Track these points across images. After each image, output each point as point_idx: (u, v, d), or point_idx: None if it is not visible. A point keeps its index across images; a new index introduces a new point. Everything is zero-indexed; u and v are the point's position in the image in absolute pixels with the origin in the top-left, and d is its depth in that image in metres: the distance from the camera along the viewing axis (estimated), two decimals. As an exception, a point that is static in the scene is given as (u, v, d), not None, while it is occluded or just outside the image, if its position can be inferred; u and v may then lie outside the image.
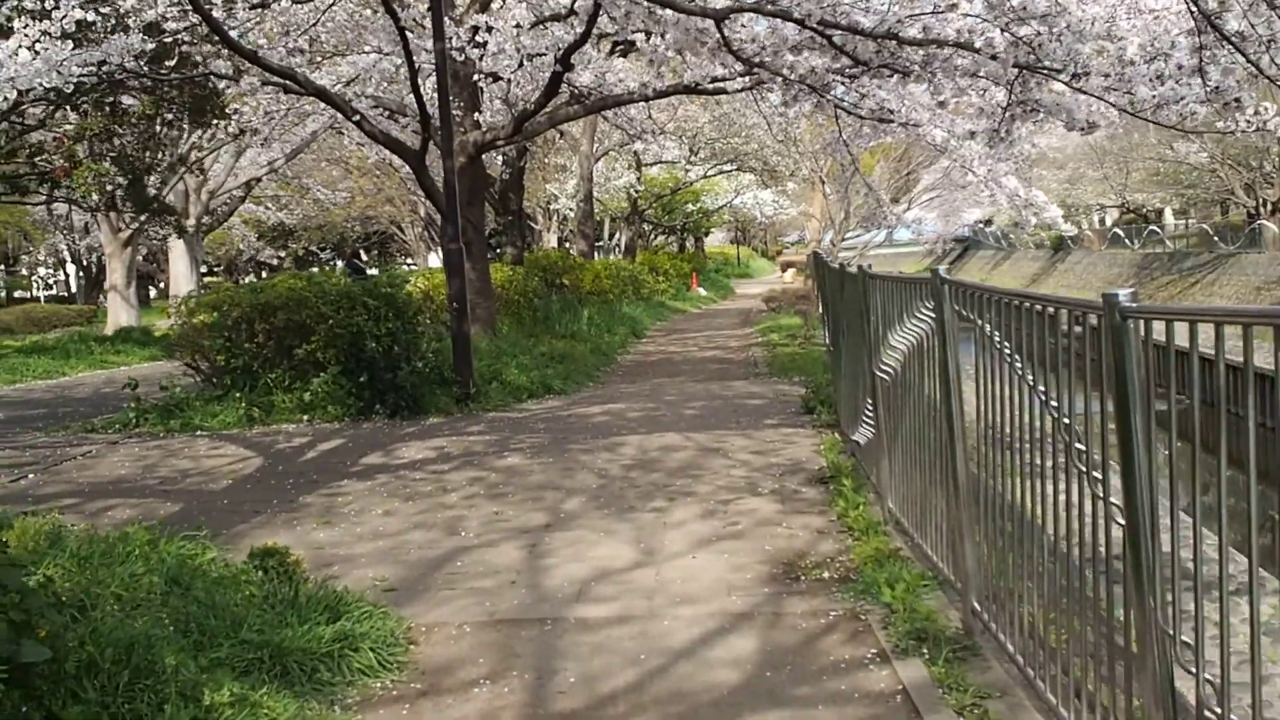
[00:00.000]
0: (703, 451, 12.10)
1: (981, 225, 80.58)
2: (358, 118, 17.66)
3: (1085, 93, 10.89)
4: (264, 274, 65.98)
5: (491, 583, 7.63)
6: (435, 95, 16.29)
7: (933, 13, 10.33)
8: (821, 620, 6.72)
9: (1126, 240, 54.18)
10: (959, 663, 5.93)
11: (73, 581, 5.80)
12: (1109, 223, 70.35)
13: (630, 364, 23.57)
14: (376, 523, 9.42)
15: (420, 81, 16.79)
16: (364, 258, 58.69)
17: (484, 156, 20.90)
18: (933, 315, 6.62)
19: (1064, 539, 4.82)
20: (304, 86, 17.11)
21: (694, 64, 18.15)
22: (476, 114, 19.42)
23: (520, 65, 19.16)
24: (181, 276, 35.78)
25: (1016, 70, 10.53)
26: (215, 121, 22.13)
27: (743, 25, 11.55)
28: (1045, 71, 10.61)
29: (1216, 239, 44.73)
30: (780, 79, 11.90)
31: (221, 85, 20.22)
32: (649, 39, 15.79)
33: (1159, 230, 53.26)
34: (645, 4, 10.88)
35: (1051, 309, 4.86)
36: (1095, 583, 4.56)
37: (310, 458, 12.44)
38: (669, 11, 10.84)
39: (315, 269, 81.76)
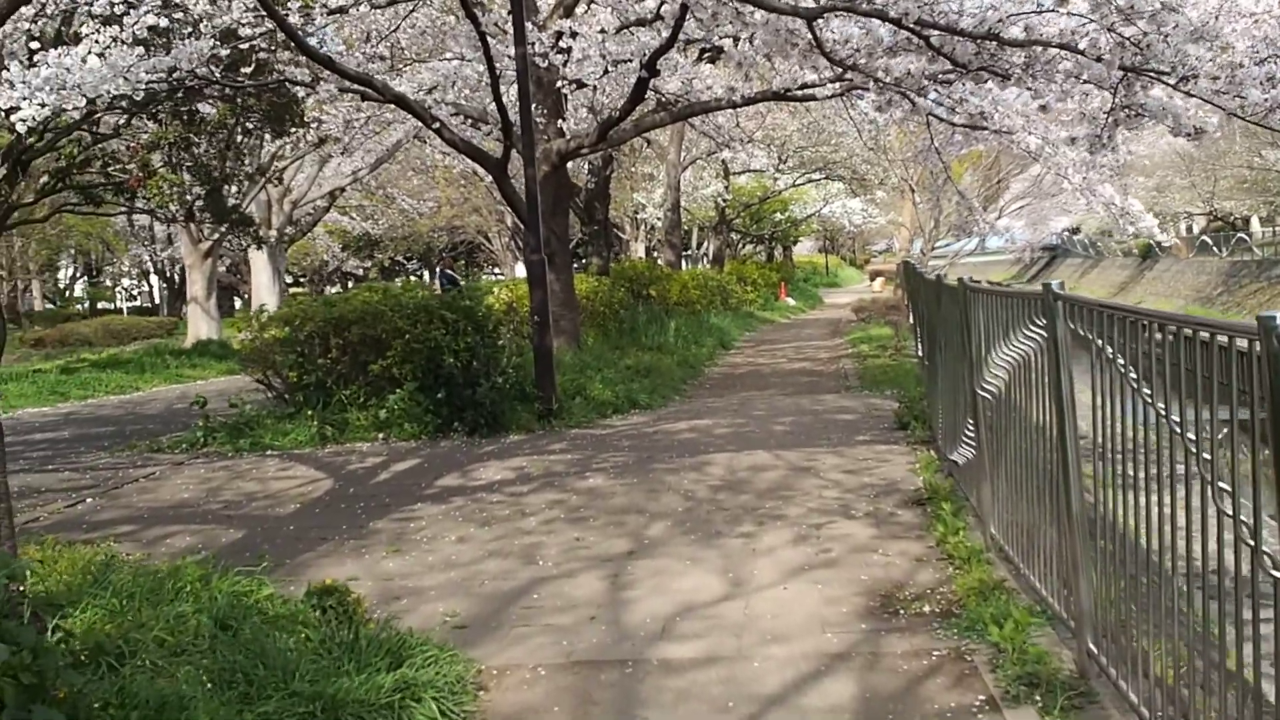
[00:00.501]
0: (793, 471, 11.56)
1: (1069, 233, 79.81)
2: (437, 125, 17.28)
3: (1194, 96, 10.25)
4: (349, 284, 65.97)
5: (569, 619, 7.12)
6: (517, 102, 15.84)
7: (1036, 11, 9.71)
8: (924, 661, 6.17)
9: (1214, 248, 53.28)
10: (1075, 711, 5.38)
11: (115, 624, 5.36)
12: (1196, 230, 69.73)
13: (718, 377, 23.03)
14: (449, 550, 8.95)
15: (502, 88, 16.38)
16: (455, 268, 58.99)
17: (569, 165, 20.54)
18: (1043, 333, 6.08)
19: (1198, 575, 4.29)
20: (382, 93, 16.74)
21: (782, 70, 17.68)
22: (560, 121, 19.02)
23: (605, 72, 18.72)
24: (264, 288, 35.61)
25: (1121, 73, 9.90)
26: (294, 130, 21.81)
27: (835, 27, 10.99)
28: (1152, 74, 9.99)
29: None
30: (873, 83, 11.27)
31: (300, 93, 19.95)
32: (737, 44, 15.43)
33: (1247, 238, 52.39)
34: (733, 4, 10.33)
35: (1189, 330, 4.28)
36: (1239, 630, 4.00)
37: (383, 479, 12.02)
38: (758, 13, 10.32)
39: (401, 279, 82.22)
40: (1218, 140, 54.65)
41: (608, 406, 16.48)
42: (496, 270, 67.38)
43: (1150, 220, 17.61)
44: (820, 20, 10.16)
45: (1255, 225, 66.64)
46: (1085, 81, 10.17)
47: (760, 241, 70.00)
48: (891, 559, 8.20)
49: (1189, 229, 73.93)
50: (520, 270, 59.50)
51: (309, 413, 14.59)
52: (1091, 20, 9.38)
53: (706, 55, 20.31)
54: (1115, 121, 10.67)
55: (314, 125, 22.05)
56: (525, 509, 10.29)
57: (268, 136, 24.95)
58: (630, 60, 17.36)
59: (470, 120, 20.44)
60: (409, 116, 20.76)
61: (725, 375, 23.21)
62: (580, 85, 19.67)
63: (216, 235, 32.45)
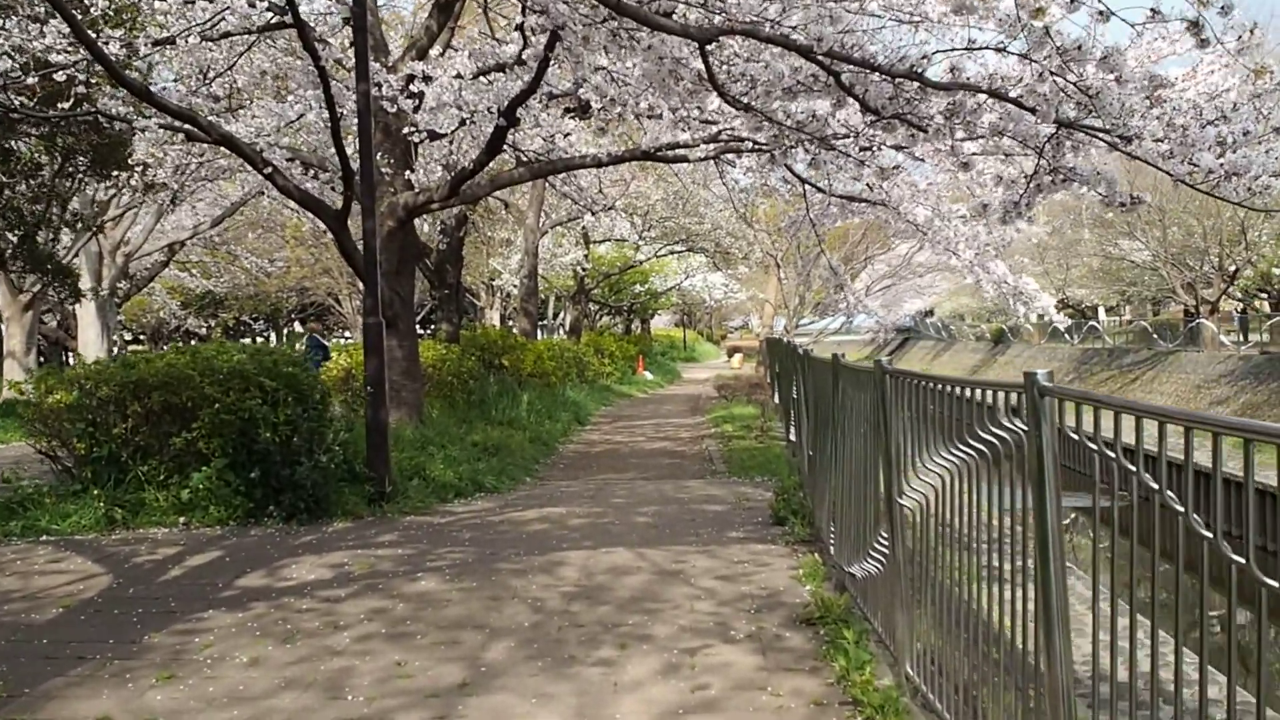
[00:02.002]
0: (659, 575, 9.92)
1: (923, 316, 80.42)
2: (269, 170, 15.51)
3: (1138, 159, 8.85)
4: (193, 343, 63.43)
5: (373, 793, 5.40)
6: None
7: (966, 49, 8.21)
8: None
9: (1066, 335, 54.10)
10: None
11: None
12: (1046, 317, 70.64)
13: (573, 455, 21.38)
14: (236, 678, 7.13)
15: (346, 137, 14.71)
16: (324, 334, 56.76)
17: (418, 223, 18.92)
18: (1014, 436, 4.58)
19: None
20: (207, 132, 14.93)
21: (652, 129, 16.28)
22: (409, 173, 17.35)
23: (462, 123, 17.16)
24: (91, 344, 33.49)
25: (1054, 129, 8.47)
26: (118, 174, 19.89)
27: (730, 61, 9.43)
28: (1089, 131, 8.58)
29: (1155, 336, 45.11)
30: (758, 137, 9.60)
31: (128, 135, 18.12)
32: (605, 99, 13.96)
33: (1099, 325, 53.25)
34: (609, 25, 8.72)
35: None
36: None
37: (173, 576, 10.10)
38: (640, 35, 8.68)
39: (249, 340, 79.71)
40: (1075, 229, 55.63)
41: (449, 490, 14.75)
42: (347, 334, 65.27)
43: (1046, 300, 16.36)
44: (712, 48, 8.53)
45: (1101, 314, 68.57)
46: (1009, 138, 8.68)
47: (619, 313, 68.81)
48: (784, 700, 6.61)
49: (1040, 316, 74.94)
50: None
51: (95, 491, 12.52)
52: (1032, 61, 7.89)
53: (571, 113, 18.78)
54: (1038, 187, 9.24)
55: (139, 170, 20.05)
56: (340, 620, 8.52)
57: (91, 180, 23.02)
58: (490, 111, 15.74)
59: (310, 169, 18.68)
60: (250, 167, 18.88)
61: (581, 454, 21.57)
62: (434, 136, 18.05)
63: (40, 286, 30.24)
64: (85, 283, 31.80)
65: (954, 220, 15.39)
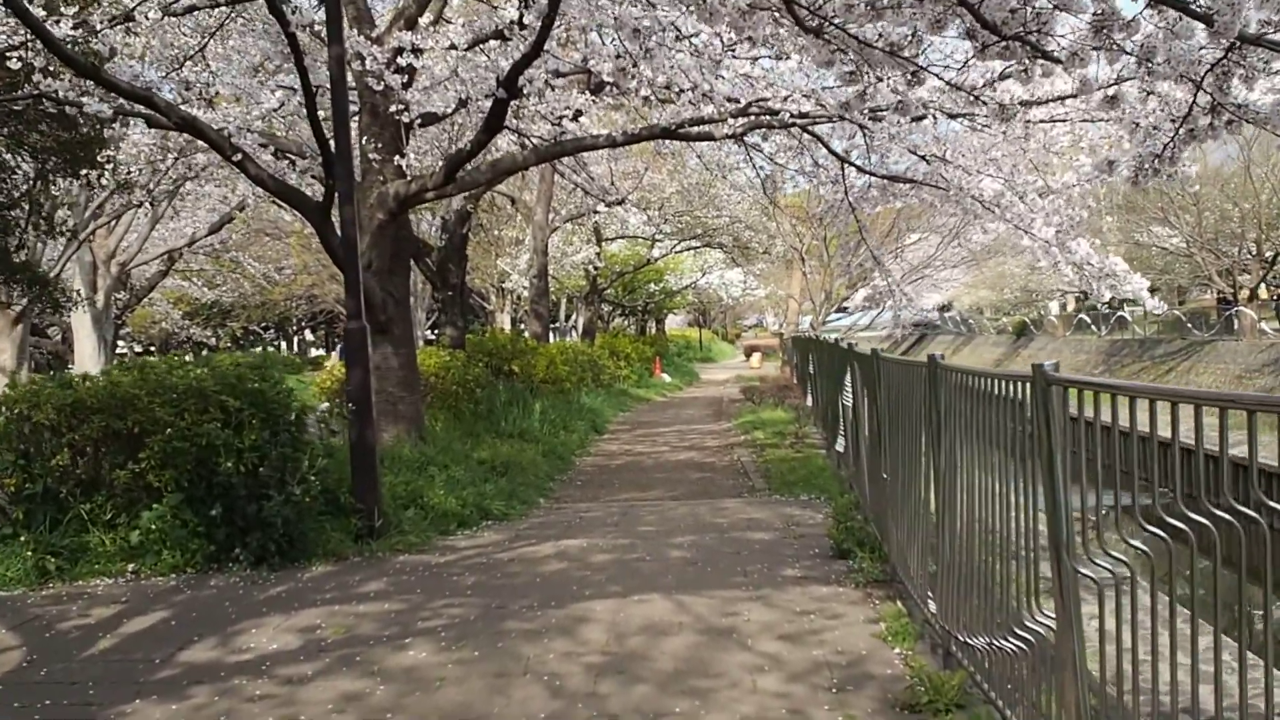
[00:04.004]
0: (707, 635, 7.92)
1: (941, 310, 78.68)
2: (239, 158, 13.55)
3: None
4: (204, 354, 61.68)
5: None
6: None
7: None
8: None
9: (1092, 326, 51.88)
10: None
11: None
12: (1070, 308, 69.38)
13: (591, 470, 19.36)
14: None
15: (324, 114, 12.74)
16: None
17: (419, 223, 17.00)
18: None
19: None
20: (166, 114, 12.98)
21: (672, 108, 14.40)
22: (399, 158, 15.34)
23: (461, 105, 15.21)
24: (88, 358, 31.53)
25: (1225, 50, 6.42)
26: (87, 172, 17.95)
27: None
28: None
29: (1189, 325, 42.75)
30: (837, 65, 7.52)
31: (100, 130, 16.17)
32: (618, 62, 12.12)
33: (1128, 316, 51.02)
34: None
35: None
36: None
37: (102, 649, 8.07)
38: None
39: (259, 349, 77.92)
40: (1102, 216, 53.56)
41: (451, 519, 12.72)
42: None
43: (1139, 282, 14.29)
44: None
45: (1149, 300, 66.36)
46: (1159, 64, 6.57)
47: (633, 313, 66.87)
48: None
49: (1063, 307, 73.78)
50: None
51: (23, 537, 10.42)
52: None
53: (582, 90, 16.79)
54: (1191, 132, 7.15)
55: (108, 166, 18.05)
56: (301, 714, 6.55)
57: (61, 181, 21.10)
58: (489, 96, 13.77)
59: (287, 157, 16.71)
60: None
61: (600, 468, 19.55)
62: (429, 121, 16.10)
63: (29, 297, 28.32)
64: (80, 293, 29.97)
65: (1030, 194, 13.39)
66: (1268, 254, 46.42)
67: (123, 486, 10.53)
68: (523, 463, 17.19)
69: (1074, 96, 12.85)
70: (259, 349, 77.36)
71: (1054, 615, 4.83)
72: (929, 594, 7.48)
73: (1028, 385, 4.96)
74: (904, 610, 8.19)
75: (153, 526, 10.35)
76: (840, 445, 14.94)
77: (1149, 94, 7.41)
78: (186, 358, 14.52)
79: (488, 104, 14.01)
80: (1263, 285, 49.20)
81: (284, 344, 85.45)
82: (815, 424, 22.48)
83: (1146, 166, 7.49)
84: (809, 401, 25.92)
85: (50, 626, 8.69)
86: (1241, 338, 38.48)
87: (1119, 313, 53.01)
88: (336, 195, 12.37)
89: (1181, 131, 7.17)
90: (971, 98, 9.62)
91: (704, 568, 10.20)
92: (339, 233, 12.40)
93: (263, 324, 68.23)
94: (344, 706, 6.63)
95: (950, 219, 41.87)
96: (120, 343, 50.20)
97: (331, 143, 12.21)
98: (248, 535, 10.50)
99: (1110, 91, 7.28)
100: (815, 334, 34.97)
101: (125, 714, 6.62)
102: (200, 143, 16.15)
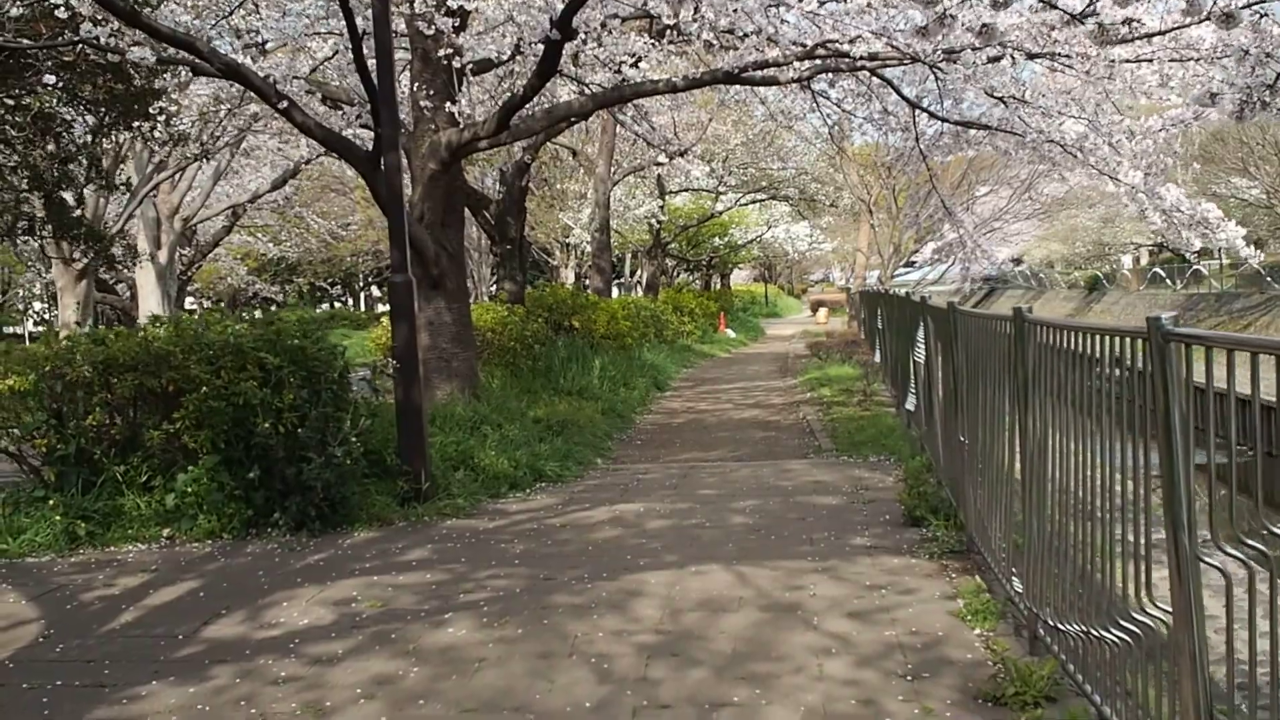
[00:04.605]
0: (769, 611, 7.33)
1: (1011, 264, 77.57)
2: (284, 105, 13.05)
3: None
4: (273, 309, 61.71)
5: None
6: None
7: None
8: None
9: (1167, 280, 50.78)
10: None
11: None
12: (1143, 262, 68.55)
13: (652, 428, 18.77)
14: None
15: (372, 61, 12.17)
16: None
17: (484, 178, 16.41)
18: None
19: None
20: (209, 60, 12.48)
21: (734, 54, 13.73)
22: (451, 106, 14.76)
23: (518, 51, 14.64)
24: (152, 313, 31.34)
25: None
26: (139, 125, 17.49)
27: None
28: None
29: (1269, 279, 42.21)
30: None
31: (155, 81, 15.71)
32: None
33: (1203, 270, 49.90)
34: None
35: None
36: None
37: (124, 622, 7.56)
38: None
39: (326, 305, 77.89)
40: (1174, 171, 52.36)
41: (503, 481, 12.16)
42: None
43: (1235, 230, 13.47)
44: None
45: (1247, 248, 65.54)
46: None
47: (697, 268, 66.18)
48: None
49: (1136, 261, 72.94)
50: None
51: (52, 500, 9.95)
52: None
53: (642, 34, 16.14)
54: None
55: (160, 118, 17.57)
56: (327, 699, 6.02)
57: (115, 135, 20.72)
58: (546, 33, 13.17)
59: (339, 107, 16.19)
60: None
61: (661, 427, 18.96)
62: (481, 69, 15.53)
63: (93, 253, 28.06)
64: (142, 248, 29.73)
65: (1118, 135, 12.62)
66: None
67: (159, 448, 10.05)
68: (580, 421, 16.62)
69: (1162, 34, 12.16)
70: (325, 305, 77.47)
71: (1168, 608, 4.20)
72: (1013, 571, 6.86)
73: (1140, 341, 4.30)
74: (983, 585, 7.57)
75: (188, 489, 9.88)
76: (911, 404, 14.30)
77: (1261, 15, 6.68)
78: (256, 313, 14.08)
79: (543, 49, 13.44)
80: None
81: (350, 300, 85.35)
82: (884, 381, 21.80)
83: (1255, 99, 6.77)
84: (877, 358, 25.22)
85: (73, 597, 8.20)
86: (1323, 290, 37.65)
87: (1195, 266, 52.08)
88: (382, 142, 11.83)
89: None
90: (1060, 24, 8.87)
91: (767, 535, 9.61)
92: (391, 183, 11.84)
93: (329, 280, 67.96)
94: (373, 691, 6.10)
95: (1023, 170, 41.03)
96: (190, 299, 50.19)
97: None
98: (287, 499, 10.00)
99: (1222, 4, 6.54)
100: (883, 288, 34.22)
101: (139, 697, 6.11)
102: (252, 94, 15.67)
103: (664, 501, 11.31)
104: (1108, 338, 4.89)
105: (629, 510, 10.88)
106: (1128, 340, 4.62)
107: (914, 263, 53.54)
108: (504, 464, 12.46)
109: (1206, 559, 3.89)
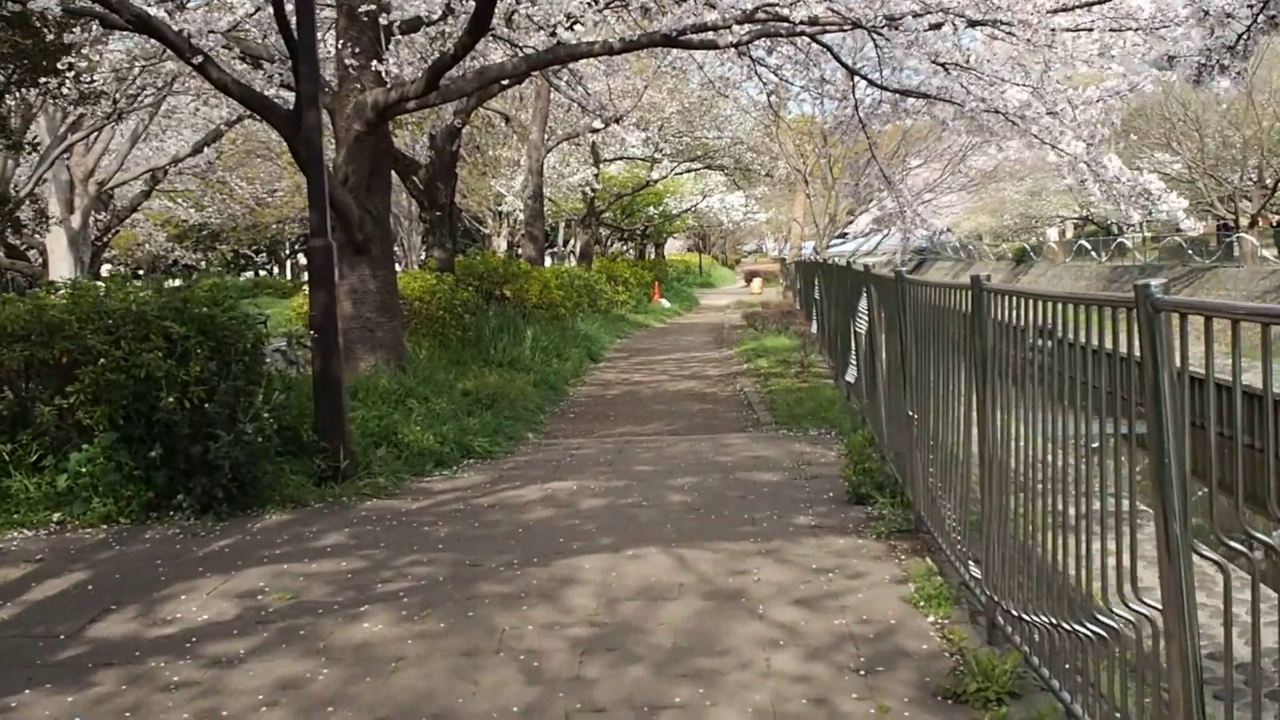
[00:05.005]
0: (712, 599, 6.82)
1: (940, 234, 77.79)
2: (200, 60, 12.39)
3: None
4: (194, 277, 60.59)
5: None
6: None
7: None
8: None
9: (1093, 252, 51.16)
10: None
11: None
12: (1068, 235, 69.25)
13: (585, 401, 18.21)
14: None
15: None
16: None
17: (415, 144, 15.77)
18: None
19: None
20: (118, 11, 11.81)
21: (671, 18, 13.23)
22: (378, 64, 14.12)
23: (450, 11, 14.08)
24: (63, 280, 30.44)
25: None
26: (46, 82, 16.71)
27: None
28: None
29: (1190, 252, 42.41)
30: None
31: (64, 35, 14.99)
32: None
33: (1127, 243, 50.17)
34: None
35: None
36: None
37: (2, 619, 6.95)
38: None
39: (251, 274, 76.71)
40: (1103, 145, 52.56)
41: (428, 458, 11.55)
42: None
43: (1177, 202, 13.04)
44: None
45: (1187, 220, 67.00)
46: None
47: (631, 238, 65.63)
48: None
49: (1061, 234, 73.63)
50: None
51: (-77, 484, 9.18)
52: None
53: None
54: (1273, 19, 5.92)
55: (69, 73, 16.76)
56: (224, 707, 5.45)
57: (21, 92, 19.91)
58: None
59: (261, 66, 15.51)
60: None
61: (595, 399, 18.40)
62: (414, 27, 14.90)
63: (-2, 216, 27.14)
64: (54, 213, 28.85)
65: (1062, 104, 12.19)
66: (1269, 181, 45.13)
67: (51, 424, 9.39)
68: (511, 394, 16.04)
69: (1102, 2, 11.79)
70: (250, 273, 76.28)
71: (1154, 604, 3.72)
72: (970, 555, 6.39)
73: (1129, 311, 3.79)
74: (934, 567, 7.14)
75: (82, 470, 9.18)
76: (851, 375, 13.85)
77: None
78: (176, 281, 13.40)
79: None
80: (1266, 211, 48.04)
81: (276, 268, 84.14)
82: (821, 352, 21.36)
83: (1214, 61, 6.28)
84: (814, 328, 24.76)
85: (-51, 591, 7.56)
86: (1242, 264, 37.89)
87: (1119, 239, 52.29)
88: (302, 99, 11.21)
89: (1261, 18, 5.94)
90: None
91: (707, 515, 9.12)
92: (311, 142, 11.20)
93: (254, 247, 66.88)
94: (277, 697, 5.52)
95: (956, 140, 40.87)
96: (107, 266, 49.08)
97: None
98: (192, 480, 9.31)
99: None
100: (820, 258, 33.82)
101: (7, 709, 5.48)
102: (170, 52, 14.95)
103: (598, 479, 10.77)
104: (1088, 308, 4.40)
105: (562, 489, 10.34)
106: (1110, 310, 4.12)
107: (846, 234, 53.48)
108: (430, 440, 11.87)
109: (1204, 552, 3.41)
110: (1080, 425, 4.53)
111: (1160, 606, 3.58)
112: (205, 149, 31.38)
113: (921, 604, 6.50)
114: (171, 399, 9.10)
